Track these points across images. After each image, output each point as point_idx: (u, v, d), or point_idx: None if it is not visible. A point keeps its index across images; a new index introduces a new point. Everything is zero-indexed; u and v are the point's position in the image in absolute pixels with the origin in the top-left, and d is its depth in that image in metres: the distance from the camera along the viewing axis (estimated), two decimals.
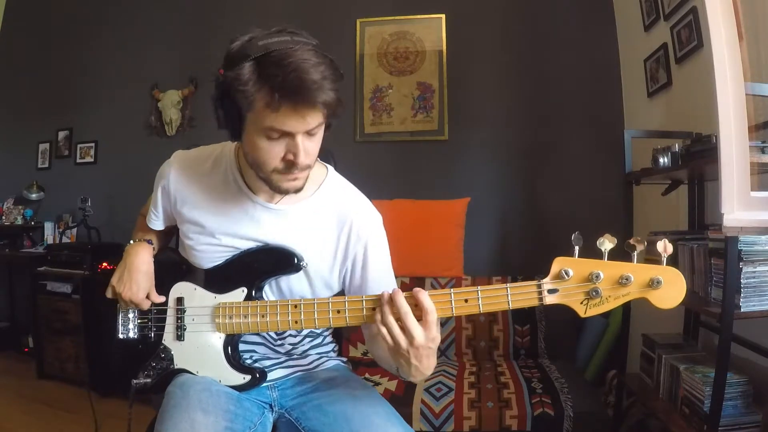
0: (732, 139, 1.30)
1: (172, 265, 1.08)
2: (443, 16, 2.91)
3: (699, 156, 1.54)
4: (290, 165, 0.87)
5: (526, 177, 2.79)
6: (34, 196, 3.38)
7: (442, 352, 2.32)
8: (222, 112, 0.86)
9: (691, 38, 1.94)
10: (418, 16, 2.95)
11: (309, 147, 0.87)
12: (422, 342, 0.81)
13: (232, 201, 1.01)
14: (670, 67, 2.13)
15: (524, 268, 2.47)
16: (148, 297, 1.04)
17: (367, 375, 2.06)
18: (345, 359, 1.19)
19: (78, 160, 3.42)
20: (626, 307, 1.97)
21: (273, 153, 0.86)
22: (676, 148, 1.67)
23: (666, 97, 2.21)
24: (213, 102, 0.87)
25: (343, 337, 1.31)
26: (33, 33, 3.56)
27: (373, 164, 2.90)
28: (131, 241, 1.10)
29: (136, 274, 1.03)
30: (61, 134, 3.46)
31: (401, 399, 1.86)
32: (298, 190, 0.93)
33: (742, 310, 1.34)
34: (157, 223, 1.12)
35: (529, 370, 2.07)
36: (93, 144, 3.39)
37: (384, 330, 0.82)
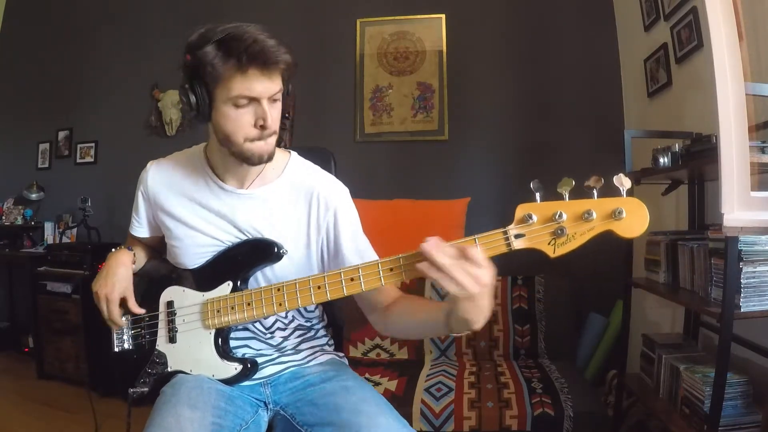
0: (732, 139, 1.30)
1: (160, 274, 1.10)
2: (443, 16, 2.92)
3: (699, 156, 1.54)
4: (261, 130, 0.93)
5: (526, 177, 2.76)
6: (34, 196, 3.37)
7: (442, 352, 2.32)
8: (192, 95, 0.92)
9: (691, 38, 1.94)
10: (418, 16, 2.95)
11: (274, 113, 0.94)
12: (488, 280, 0.78)
13: (205, 193, 1.06)
14: (670, 67, 2.13)
15: (524, 267, 2.47)
16: (125, 304, 1.05)
17: (367, 375, 2.06)
18: (341, 354, 1.19)
19: (78, 160, 3.42)
20: (626, 307, 1.98)
21: (243, 121, 0.92)
22: (676, 148, 1.67)
23: (666, 97, 2.21)
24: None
25: (343, 336, 1.30)
26: (33, 33, 3.56)
27: (373, 164, 2.90)
28: (113, 249, 1.12)
29: (112, 272, 1.06)
30: (61, 134, 3.46)
31: (401, 399, 1.85)
32: (270, 156, 0.97)
33: (742, 310, 1.34)
34: (140, 229, 1.15)
35: (529, 370, 2.07)
36: (93, 144, 3.39)
37: (452, 282, 0.77)
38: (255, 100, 0.91)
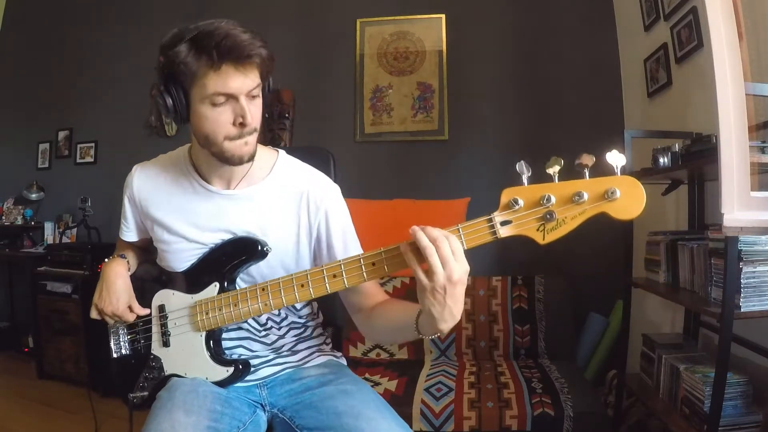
0: (732, 139, 1.30)
1: (152, 278, 1.10)
2: (443, 16, 2.91)
3: (699, 156, 1.54)
4: (241, 128, 0.90)
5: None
6: (34, 196, 3.37)
7: (442, 352, 2.32)
8: (168, 97, 0.90)
9: (691, 38, 1.94)
10: (418, 16, 2.95)
11: (253, 110, 0.91)
12: (461, 275, 0.76)
13: (191, 196, 1.04)
14: (670, 67, 2.13)
15: (524, 268, 2.47)
16: (131, 309, 1.06)
17: (367, 375, 2.06)
18: (339, 353, 1.18)
19: (78, 160, 3.42)
20: (626, 306, 1.98)
21: (221, 120, 0.90)
22: (676, 148, 1.67)
23: (666, 97, 2.21)
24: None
25: (342, 336, 1.30)
26: (33, 33, 3.56)
27: (373, 164, 2.90)
28: (105, 260, 1.12)
29: (113, 287, 1.06)
30: (61, 134, 3.46)
31: (401, 399, 1.86)
32: (251, 157, 0.95)
33: (742, 310, 1.34)
34: (129, 234, 1.14)
35: (529, 370, 2.07)
36: (93, 144, 3.39)
37: (420, 269, 0.78)
38: (232, 97, 0.88)
